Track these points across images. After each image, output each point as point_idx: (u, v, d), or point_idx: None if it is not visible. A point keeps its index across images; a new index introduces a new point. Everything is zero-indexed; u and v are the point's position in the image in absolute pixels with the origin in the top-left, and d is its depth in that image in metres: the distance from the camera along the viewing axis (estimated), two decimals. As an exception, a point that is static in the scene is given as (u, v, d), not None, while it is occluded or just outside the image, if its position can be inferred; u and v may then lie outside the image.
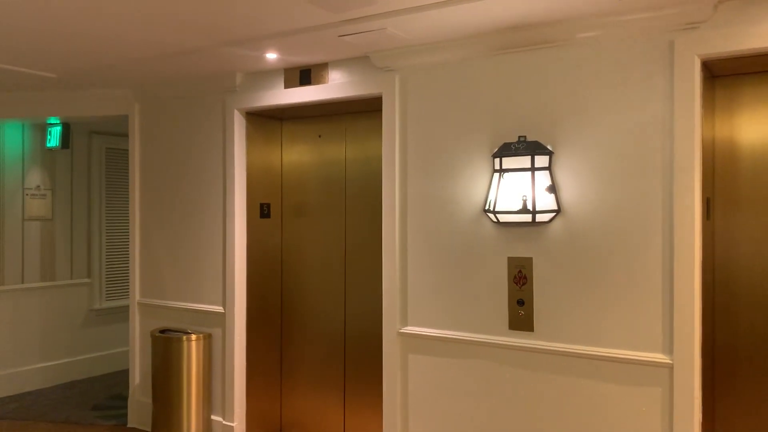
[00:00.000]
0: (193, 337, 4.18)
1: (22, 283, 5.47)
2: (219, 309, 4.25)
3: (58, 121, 5.35)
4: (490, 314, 3.24)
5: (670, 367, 2.78)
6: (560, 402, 3.05)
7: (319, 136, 4.36)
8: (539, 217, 3.06)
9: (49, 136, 5.47)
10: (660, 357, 2.80)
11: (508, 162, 3.12)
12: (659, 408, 2.81)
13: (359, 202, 4.17)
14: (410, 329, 3.49)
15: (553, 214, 3.06)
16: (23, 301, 5.46)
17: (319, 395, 4.34)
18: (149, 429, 4.41)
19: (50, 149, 5.57)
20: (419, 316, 3.47)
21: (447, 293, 3.38)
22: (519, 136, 3.13)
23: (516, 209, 3.06)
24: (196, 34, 3.21)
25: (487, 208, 3.21)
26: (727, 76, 2.96)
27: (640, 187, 2.85)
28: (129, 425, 4.69)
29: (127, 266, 5.76)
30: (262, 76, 4.08)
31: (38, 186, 5.59)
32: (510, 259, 3.19)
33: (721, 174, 2.98)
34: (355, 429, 4.21)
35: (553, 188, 3.05)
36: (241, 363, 4.21)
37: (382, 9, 2.87)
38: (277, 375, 4.49)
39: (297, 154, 4.46)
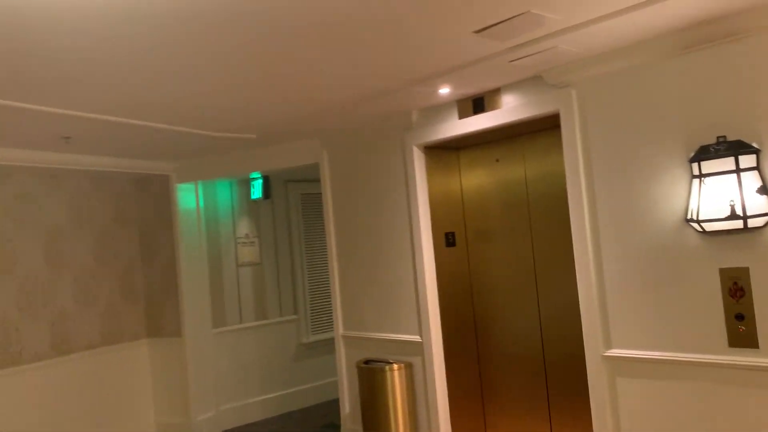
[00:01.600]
0: (395, 366, 4.35)
1: (241, 323, 6.05)
2: (416, 338, 4.39)
3: (259, 175, 5.92)
4: (704, 331, 3.00)
5: None
6: (802, 426, 2.73)
7: (497, 161, 4.38)
8: (752, 223, 2.79)
9: (252, 189, 6.08)
10: None
11: (708, 166, 2.90)
12: None
13: (545, 222, 4.10)
14: (615, 352, 3.34)
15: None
16: (242, 340, 6.03)
17: (523, 417, 4.28)
18: (362, 456, 4.63)
19: (254, 200, 6.16)
20: (623, 338, 3.31)
21: (652, 311, 3.19)
22: (717, 137, 2.90)
23: (723, 216, 2.83)
24: (379, 77, 3.40)
25: (689, 217, 3.00)
26: None
27: None
28: (343, 452, 4.95)
29: (329, 301, 6.15)
30: (436, 110, 4.21)
31: (247, 234, 6.20)
32: (722, 271, 2.94)
33: None
34: (564, 455, 4.09)
35: (765, 189, 2.77)
36: (443, 389, 4.29)
37: (551, 29, 2.85)
38: (479, 398, 4.51)
39: (476, 181, 4.51)
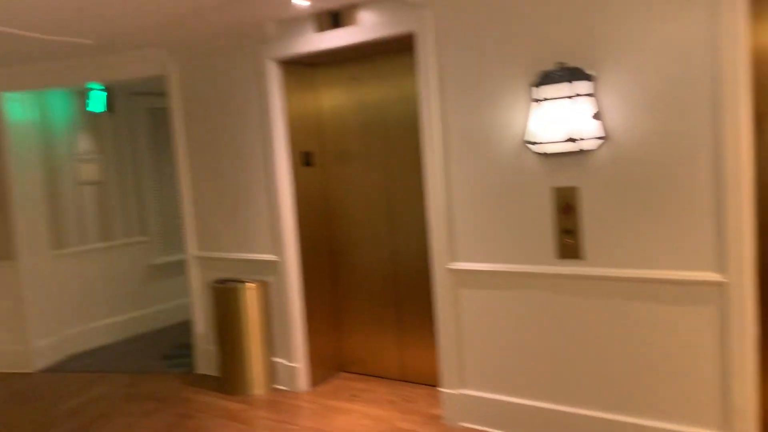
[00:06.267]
0: (250, 285, 4.35)
1: (83, 244, 5.71)
2: (272, 257, 4.40)
3: (99, 86, 5.43)
4: (537, 245, 3.31)
5: (723, 285, 2.80)
6: (613, 325, 3.14)
7: (354, 79, 4.37)
8: (584, 145, 3.06)
9: (89, 101, 5.58)
10: (713, 276, 2.83)
11: (548, 91, 3.08)
12: (713, 324, 2.86)
13: (401, 143, 4.22)
14: (459, 265, 3.59)
15: (598, 141, 3.06)
16: (86, 261, 5.73)
17: (375, 333, 4.52)
18: (216, 374, 4.65)
19: (94, 114, 5.69)
20: (467, 252, 3.55)
21: (493, 227, 3.44)
22: (558, 63, 3.10)
23: (559, 139, 3.07)
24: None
25: (528, 139, 3.23)
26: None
27: (686, 105, 2.81)
28: (197, 372, 4.94)
29: (180, 222, 5.96)
30: (293, 23, 4.08)
31: (87, 150, 5.75)
32: (555, 190, 3.22)
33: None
34: (412, 362, 4.40)
35: (597, 115, 3.05)
36: (298, 307, 4.38)
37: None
38: (334, 316, 4.67)
39: (334, 100, 4.50)
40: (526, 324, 3.39)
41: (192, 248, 4.86)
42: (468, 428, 3.62)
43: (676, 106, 2.85)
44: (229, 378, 4.44)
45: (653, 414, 3.07)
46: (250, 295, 4.35)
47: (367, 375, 4.57)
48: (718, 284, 2.82)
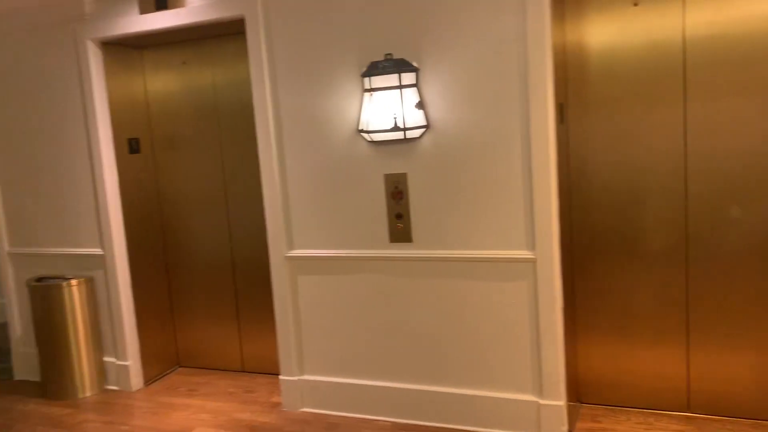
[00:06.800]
0: (74, 282, 4.06)
1: None
2: (98, 251, 4.13)
3: None
4: (371, 230, 3.41)
5: (534, 262, 3.09)
6: (441, 304, 3.33)
7: (184, 63, 4.21)
8: (410, 134, 3.20)
9: None
10: (524, 253, 3.12)
11: (377, 81, 3.18)
12: (526, 298, 3.15)
13: (234, 130, 4.13)
14: (296, 252, 3.61)
15: (423, 130, 3.21)
16: None
17: (213, 325, 4.41)
18: (38, 379, 4.30)
19: None
20: (304, 239, 3.58)
21: (329, 214, 3.50)
22: (385, 54, 3.19)
23: (388, 128, 3.18)
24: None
25: (360, 128, 3.31)
26: (569, -13, 3.17)
27: (499, 97, 3.04)
28: (16, 378, 4.54)
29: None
30: (115, 1, 3.83)
31: None
32: (386, 176, 3.34)
33: (573, 79, 3.24)
34: (252, 353, 4.36)
35: (421, 104, 3.19)
36: (128, 303, 4.17)
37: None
38: (168, 311, 4.49)
39: (162, 84, 4.29)
40: (361, 307, 3.49)
41: (4, 244, 4.44)
42: (308, 413, 3.67)
43: (490, 98, 3.06)
44: (53, 382, 4.13)
45: (479, 384, 3.30)
46: (74, 293, 4.07)
47: (206, 369, 4.46)
48: (529, 261, 3.08)
